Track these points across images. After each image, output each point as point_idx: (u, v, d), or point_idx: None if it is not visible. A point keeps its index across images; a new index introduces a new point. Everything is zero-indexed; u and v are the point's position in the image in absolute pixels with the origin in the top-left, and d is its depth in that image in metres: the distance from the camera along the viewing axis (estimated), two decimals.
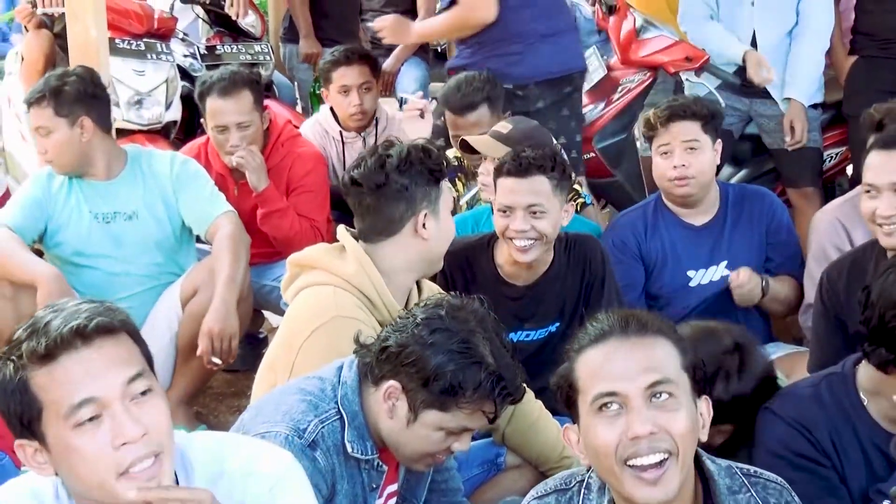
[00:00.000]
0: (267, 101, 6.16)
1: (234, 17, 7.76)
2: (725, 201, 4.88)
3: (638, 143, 6.33)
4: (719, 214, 4.86)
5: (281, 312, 4.07)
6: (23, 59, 7.07)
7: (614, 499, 2.61)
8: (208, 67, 6.76)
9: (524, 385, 3.16)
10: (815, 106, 5.99)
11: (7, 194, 5.69)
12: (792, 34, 5.93)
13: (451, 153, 5.28)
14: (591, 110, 6.22)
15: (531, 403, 3.82)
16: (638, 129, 6.60)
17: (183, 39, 7.29)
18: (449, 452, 3.13)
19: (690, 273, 4.83)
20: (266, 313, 6.06)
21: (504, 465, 3.96)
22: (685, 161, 4.69)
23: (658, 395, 2.48)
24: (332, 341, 3.40)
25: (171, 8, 7.31)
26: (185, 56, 7.07)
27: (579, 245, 4.41)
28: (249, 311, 5.20)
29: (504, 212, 4.20)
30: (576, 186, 5.55)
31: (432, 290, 3.82)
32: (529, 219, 4.16)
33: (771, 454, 3.14)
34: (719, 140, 4.81)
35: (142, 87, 6.46)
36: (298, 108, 8.20)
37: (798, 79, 5.89)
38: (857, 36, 6.09)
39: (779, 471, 2.82)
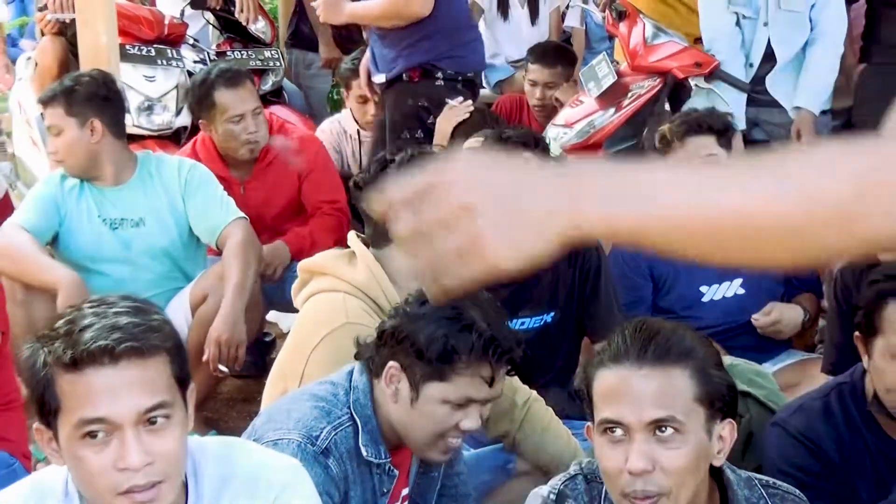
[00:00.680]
0: (276, 107, 6.19)
1: (243, 23, 7.77)
2: None
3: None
4: None
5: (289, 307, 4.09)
6: (36, 64, 7.09)
7: None
8: None
9: (520, 347, 3.12)
10: (824, 112, 5.98)
11: (6, 198, 5.69)
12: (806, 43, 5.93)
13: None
14: (601, 116, 6.22)
15: (542, 409, 3.82)
16: (648, 136, 6.61)
17: (193, 45, 7.31)
18: (460, 433, 3.09)
19: (703, 288, 4.77)
20: (276, 319, 6.07)
21: (514, 471, 3.95)
22: None
23: (662, 429, 2.47)
24: (341, 348, 3.40)
25: (182, 14, 7.31)
26: (196, 62, 7.08)
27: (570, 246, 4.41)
28: (259, 319, 5.21)
29: None
30: None
31: None
32: None
33: (779, 471, 3.13)
34: (733, 153, 4.76)
35: (152, 93, 6.47)
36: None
37: (810, 87, 5.87)
38: (867, 44, 6.08)
39: None
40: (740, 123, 5.70)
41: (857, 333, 3.29)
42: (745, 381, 4.11)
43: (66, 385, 2.31)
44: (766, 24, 5.90)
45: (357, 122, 6.39)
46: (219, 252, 5.00)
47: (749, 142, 6.14)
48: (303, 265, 3.82)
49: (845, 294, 4.08)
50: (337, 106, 8.07)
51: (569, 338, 4.40)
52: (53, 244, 5.01)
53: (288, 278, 4.92)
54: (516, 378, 3.77)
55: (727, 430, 2.59)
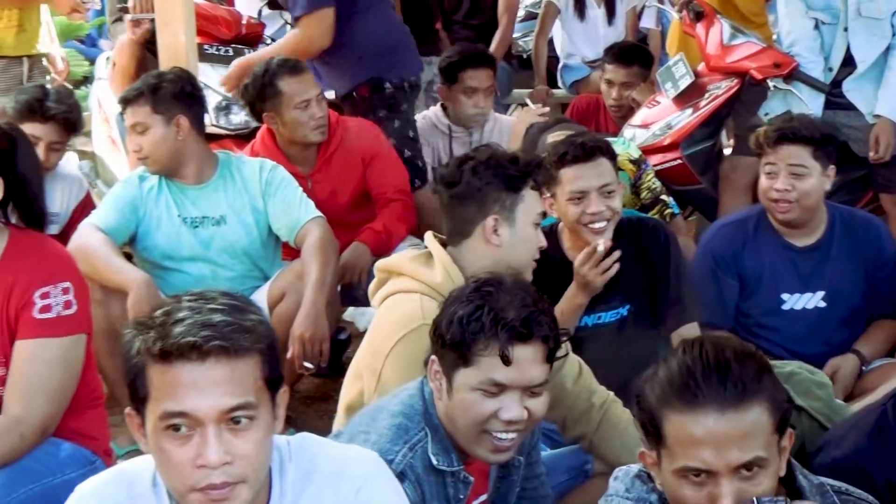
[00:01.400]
0: None
1: None
2: (832, 225, 4.73)
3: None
4: (824, 238, 4.73)
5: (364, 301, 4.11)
6: (114, 64, 7.14)
7: None
8: None
9: (551, 329, 3.05)
10: None
11: (88, 197, 5.75)
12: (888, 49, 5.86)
13: None
14: (678, 117, 6.20)
15: (620, 411, 3.79)
16: (725, 136, 6.59)
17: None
18: (503, 424, 3.01)
19: (784, 296, 4.72)
20: (352, 317, 6.09)
21: (592, 472, 3.94)
22: (788, 185, 4.56)
23: (749, 469, 2.41)
24: (418, 349, 3.36)
25: (259, 14, 7.34)
26: None
27: (637, 229, 4.45)
28: (336, 316, 5.23)
29: (578, 199, 4.25)
30: (662, 197, 5.56)
31: None
32: (603, 199, 4.23)
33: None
34: (832, 166, 4.64)
35: (230, 93, 6.51)
36: None
37: (891, 95, 5.81)
38: None
39: None
40: None
41: None
42: (801, 393, 4.10)
43: (155, 375, 2.33)
44: (845, 30, 5.85)
45: (448, 117, 6.46)
46: (295, 252, 5.02)
47: None
48: (380, 265, 3.83)
49: None
50: None
51: (646, 330, 4.42)
52: (132, 244, 5.07)
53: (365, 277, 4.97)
54: (594, 380, 3.76)
55: (787, 440, 2.54)
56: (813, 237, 4.72)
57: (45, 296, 3.51)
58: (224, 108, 6.45)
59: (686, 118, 6.19)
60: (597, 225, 4.25)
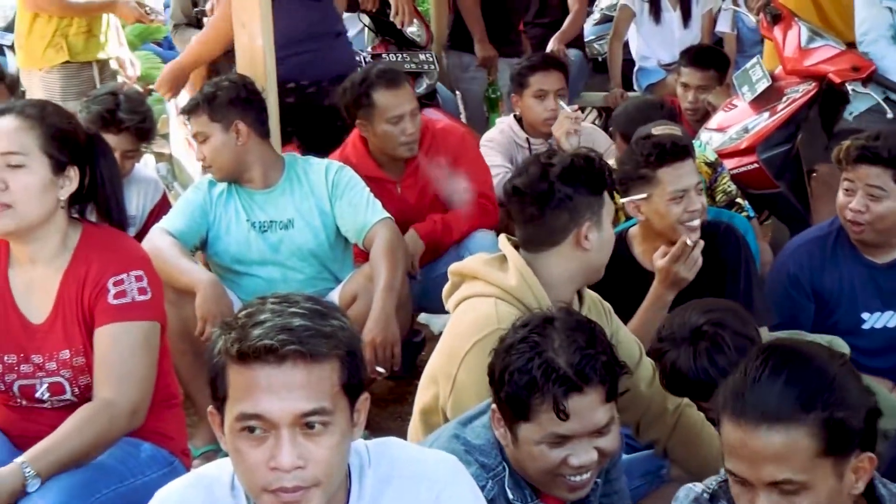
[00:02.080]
0: (430, 109, 6.21)
1: (398, 26, 7.82)
2: None
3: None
4: None
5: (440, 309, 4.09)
6: None
7: None
8: None
9: (618, 367, 2.99)
10: None
11: (164, 199, 5.79)
12: None
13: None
14: (755, 120, 6.14)
15: (694, 415, 3.77)
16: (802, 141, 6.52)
17: None
18: (574, 470, 2.97)
19: (865, 315, 4.64)
20: (426, 320, 6.10)
21: (667, 476, 3.92)
22: (863, 206, 4.45)
23: (784, 486, 2.38)
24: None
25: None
26: None
27: (709, 230, 4.42)
28: (408, 319, 5.23)
29: (679, 198, 4.27)
30: (737, 200, 5.53)
31: (593, 299, 3.80)
32: (700, 198, 4.31)
33: None
34: None
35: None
36: (462, 118, 8.24)
37: None
38: None
39: None
40: None
41: None
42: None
43: (234, 375, 2.35)
44: None
45: (523, 128, 6.38)
46: (366, 254, 5.03)
47: None
48: (453, 268, 3.81)
49: None
50: (494, 105, 8.06)
51: None
52: (203, 249, 5.11)
53: (440, 280, 4.95)
54: None
55: (866, 462, 2.47)
56: (894, 253, 4.63)
57: (118, 283, 3.52)
58: None
59: (763, 122, 6.13)
60: (694, 222, 4.28)
